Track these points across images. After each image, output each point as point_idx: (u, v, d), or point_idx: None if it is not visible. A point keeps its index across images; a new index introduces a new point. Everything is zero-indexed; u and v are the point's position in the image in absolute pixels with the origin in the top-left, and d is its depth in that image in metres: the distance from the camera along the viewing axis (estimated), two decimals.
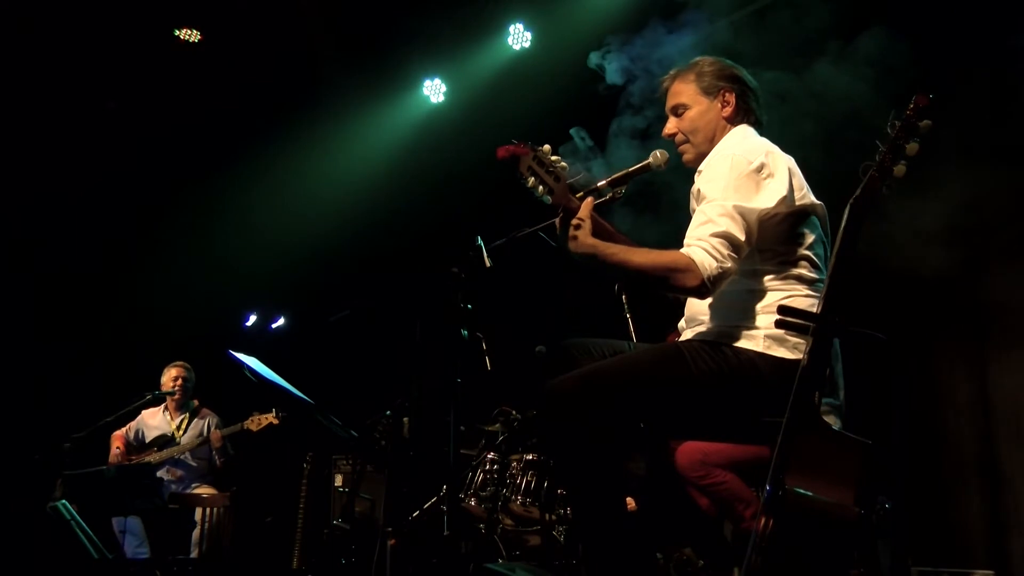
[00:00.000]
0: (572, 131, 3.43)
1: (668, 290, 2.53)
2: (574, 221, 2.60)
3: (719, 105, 2.80)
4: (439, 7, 6.39)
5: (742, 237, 2.48)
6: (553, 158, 2.72)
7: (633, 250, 2.59)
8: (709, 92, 2.81)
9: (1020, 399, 4.41)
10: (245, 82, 6.86)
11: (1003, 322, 4.56)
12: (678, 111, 2.85)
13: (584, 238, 2.58)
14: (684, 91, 2.84)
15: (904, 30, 4.06)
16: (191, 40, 6.79)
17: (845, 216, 2.25)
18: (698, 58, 2.90)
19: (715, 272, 2.45)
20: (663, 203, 3.80)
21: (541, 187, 2.71)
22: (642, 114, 3.81)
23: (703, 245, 2.47)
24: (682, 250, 2.50)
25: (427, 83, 6.98)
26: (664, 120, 2.92)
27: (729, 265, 2.47)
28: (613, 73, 3.83)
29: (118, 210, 7.25)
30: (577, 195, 2.71)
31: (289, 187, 7.30)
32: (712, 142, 2.79)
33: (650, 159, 2.85)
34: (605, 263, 2.56)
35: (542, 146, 2.73)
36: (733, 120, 2.81)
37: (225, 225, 7.40)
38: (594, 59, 3.96)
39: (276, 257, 7.26)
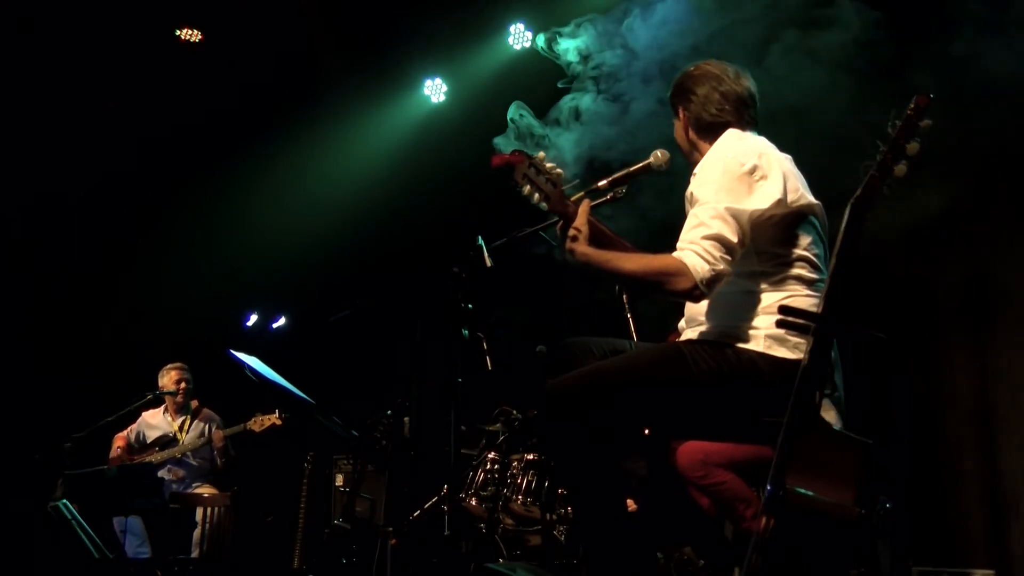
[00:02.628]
0: (512, 107, 3.39)
1: (662, 295, 2.52)
2: (571, 232, 2.61)
3: (681, 121, 2.83)
4: (439, 7, 6.39)
5: (735, 239, 2.47)
6: (548, 165, 2.72)
7: (626, 256, 2.59)
8: (674, 108, 2.85)
9: (1020, 399, 4.42)
10: (245, 82, 6.86)
11: (1003, 322, 4.56)
12: None
13: (580, 247, 2.59)
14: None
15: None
16: (192, 40, 6.79)
17: (846, 216, 2.25)
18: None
19: (708, 275, 2.43)
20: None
21: (537, 195, 2.72)
22: (595, 95, 3.77)
23: (695, 248, 2.46)
24: (674, 254, 2.49)
25: (427, 83, 6.98)
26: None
27: (722, 267, 2.45)
28: (567, 54, 3.80)
29: (118, 210, 7.25)
30: (574, 198, 2.70)
31: (289, 187, 7.30)
32: (696, 152, 2.79)
33: (651, 159, 2.86)
34: (600, 271, 2.57)
35: (537, 153, 2.73)
36: (702, 130, 2.78)
37: (225, 225, 7.39)
38: (540, 42, 3.93)
39: (276, 257, 7.25)
